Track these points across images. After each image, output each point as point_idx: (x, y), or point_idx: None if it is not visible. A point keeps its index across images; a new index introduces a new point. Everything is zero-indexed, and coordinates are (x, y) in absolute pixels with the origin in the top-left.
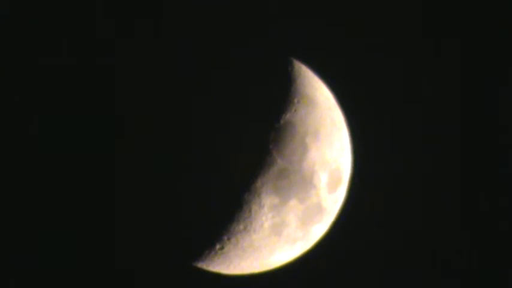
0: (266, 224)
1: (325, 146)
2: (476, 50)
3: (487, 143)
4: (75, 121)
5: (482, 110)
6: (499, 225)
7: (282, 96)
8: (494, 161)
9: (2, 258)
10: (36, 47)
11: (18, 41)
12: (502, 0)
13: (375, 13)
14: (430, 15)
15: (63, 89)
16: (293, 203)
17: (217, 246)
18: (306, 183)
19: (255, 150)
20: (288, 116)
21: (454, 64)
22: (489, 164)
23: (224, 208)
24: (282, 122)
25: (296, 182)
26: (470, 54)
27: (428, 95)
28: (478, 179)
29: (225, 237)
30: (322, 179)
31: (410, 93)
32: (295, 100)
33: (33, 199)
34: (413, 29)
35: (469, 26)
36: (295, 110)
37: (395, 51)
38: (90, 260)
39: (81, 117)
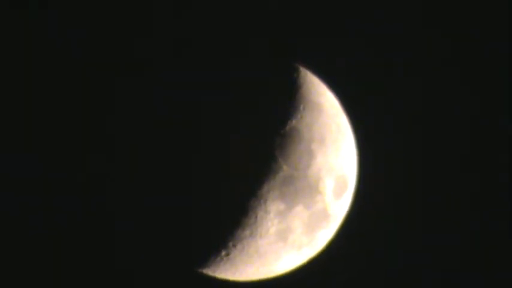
0: (272, 230)
1: (331, 152)
2: (480, 51)
3: (490, 146)
4: (76, 119)
5: (488, 113)
6: (504, 227)
7: (287, 102)
8: (498, 163)
9: (2, 258)
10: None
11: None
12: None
13: (381, 19)
14: (434, 19)
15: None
16: (299, 209)
17: (223, 252)
18: (312, 189)
19: (261, 156)
20: (293, 122)
21: (458, 68)
22: (494, 167)
23: (230, 214)
24: (287, 128)
25: (302, 188)
26: (477, 57)
27: (434, 100)
28: (483, 181)
29: (231, 243)
30: (327, 185)
31: (416, 99)
32: (301, 106)
33: (33, 199)
34: (418, 34)
35: (471, 26)
36: (301, 117)
37: (401, 57)
38: (91, 264)
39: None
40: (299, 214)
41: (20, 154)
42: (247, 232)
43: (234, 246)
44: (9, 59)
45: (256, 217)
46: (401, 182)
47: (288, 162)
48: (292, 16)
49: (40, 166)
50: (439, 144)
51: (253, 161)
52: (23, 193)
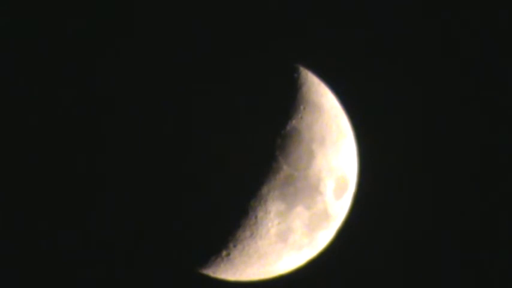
0: (272, 231)
1: (331, 152)
2: (481, 51)
3: (490, 146)
4: (77, 119)
5: (487, 114)
6: (504, 227)
7: (288, 102)
8: (498, 163)
9: (2, 258)
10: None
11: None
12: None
13: (381, 19)
14: (434, 19)
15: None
16: (299, 209)
17: (224, 253)
18: (312, 189)
19: (261, 156)
20: (294, 122)
21: (458, 68)
22: (494, 167)
23: (230, 215)
24: (288, 128)
25: (302, 189)
26: (477, 57)
27: (434, 100)
28: (483, 181)
29: (231, 244)
30: (328, 185)
31: (417, 100)
32: (301, 107)
33: (33, 199)
34: (418, 34)
35: (471, 26)
36: (301, 117)
37: (402, 58)
38: (91, 264)
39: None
40: (299, 214)
41: (20, 154)
42: (247, 233)
43: (235, 246)
44: (9, 59)
45: (256, 217)
46: (401, 182)
47: (288, 163)
48: (292, 16)
49: (40, 166)
50: (439, 145)
51: (253, 161)
52: (23, 193)
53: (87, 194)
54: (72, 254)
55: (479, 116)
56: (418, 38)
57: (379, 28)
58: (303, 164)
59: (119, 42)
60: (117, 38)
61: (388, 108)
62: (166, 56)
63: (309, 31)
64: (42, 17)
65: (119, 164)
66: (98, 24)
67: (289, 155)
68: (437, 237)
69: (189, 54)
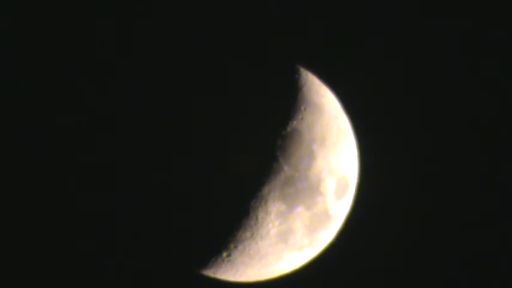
0: (273, 231)
1: (332, 153)
2: (481, 51)
3: (490, 146)
4: (76, 122)
5: (488, 113)
6: (504, 227)
7: (288, 103)
8: (498, 163)
9: (2, 258)
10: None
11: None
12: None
13: (382, 20)
14: (434, 19)
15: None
16: (300, 210)
17: (224, 254)
18: (313, 190)
19: (261, 157)
20: (294, 123)
21: (458, 68)
22: (494, 167)
23: (231, 215)
24: (288, 129)
25: (303, 189)
26: (478, 57)
27: (434, 101)
28: (483, 182)
29: (232, 245)
30: (328, 186)
31: (418, 100)
32: (302, 107)
33: (33, 199)
34: (418, 35)
35: (471, 26)
36: (301, 118)
37: (402, 58)
38: (91, 264)
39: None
40: (300, 215)
41: (20, 154)
42: (248, 233)
43: (235, 247)
44: (9, 59)
45: (257, 218)
46: (402, 182)
47: (289, 163)
48: (292, 16)
49: (40, 166)
50: (439, 145)
51: (253, 161)
52: (23, 193)
53: (87, 194)
54: (72, 254)
55: (479, 116)
56: (418, 38)
57: (379, 28)
58: (304, 164)
59: (119, 42)
60: (117, 38)
61: (388, 108)
62: (167, 56)
63: (309, 31)
64: (42, 17)
65: (118, 164)
66: (98, 24)
67: (290, 155)
68: (437, 237)
69: (189, 54)
